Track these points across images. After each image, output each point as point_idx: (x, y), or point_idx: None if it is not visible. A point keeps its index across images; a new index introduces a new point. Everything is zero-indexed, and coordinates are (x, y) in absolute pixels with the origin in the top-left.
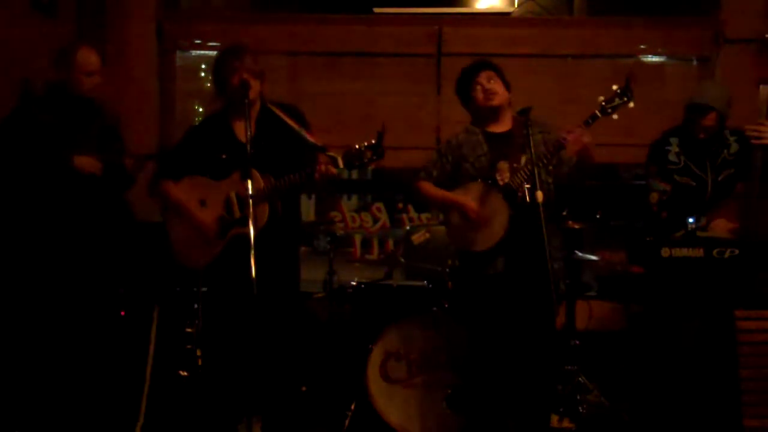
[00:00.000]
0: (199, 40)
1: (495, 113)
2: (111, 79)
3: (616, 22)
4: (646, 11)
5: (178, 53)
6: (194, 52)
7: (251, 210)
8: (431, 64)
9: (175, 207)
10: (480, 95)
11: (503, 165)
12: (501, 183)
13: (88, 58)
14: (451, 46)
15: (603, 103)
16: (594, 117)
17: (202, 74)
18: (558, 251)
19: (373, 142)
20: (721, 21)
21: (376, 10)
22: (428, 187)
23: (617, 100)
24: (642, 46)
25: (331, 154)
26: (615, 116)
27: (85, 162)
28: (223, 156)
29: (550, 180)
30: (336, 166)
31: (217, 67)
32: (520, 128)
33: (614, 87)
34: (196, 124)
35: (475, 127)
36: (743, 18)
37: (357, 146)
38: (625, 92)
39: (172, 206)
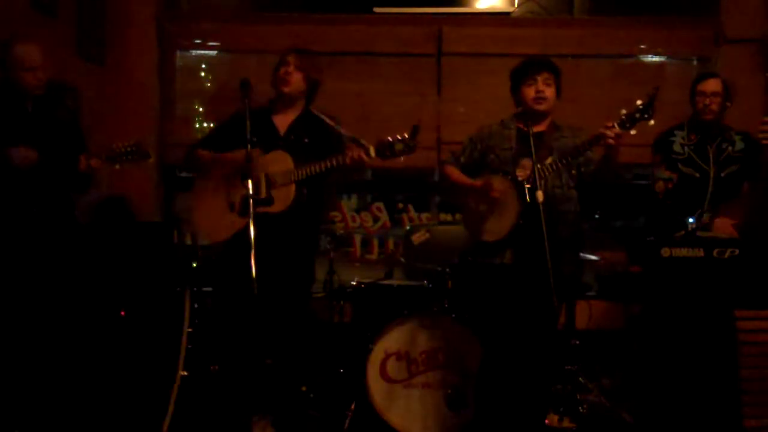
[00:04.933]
0: (199, 40)
1: (537, 114)
2: (111, 79)
3: (616, 22)
4: (646, 11)
5: (178, 53)
6: (194, 52)
7: (252, 210)
8: (431, 64)
9: (209, 164)
10: (532, 94)
11: (526, 162)
12: (519, 178)
13: (26, 53)
14: (451, 46)
15: (623, 117)
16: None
17: (202, 74)
18: (575, 256)
19: (406, 135)
20: (721, 21)
21: (376, 10)
22: (452, 171)
23: (638, 116)
24: (642, 46)
25: (364, 143)
26: (633, 131)
27: (17, 152)
28: (254, 139)
29: (571, 184)
30: (368, 155)
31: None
32: (552, 131)
33: (638, 102)
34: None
35: (511, 122)
36: (743, 18)
37: (390, 138)
38: (647, 109)
39: (205, 167)
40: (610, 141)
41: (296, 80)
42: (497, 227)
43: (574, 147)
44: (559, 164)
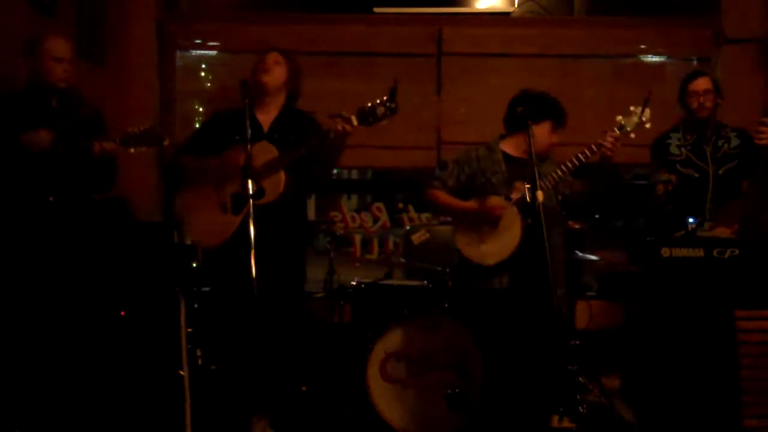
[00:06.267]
0: (199, 40)
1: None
2: (111, 79)
3: (616, 22)
4: (646, 11)
5: (178, 53)
6: (194, 52)
7: (251, 209)
8: (431, 64)
9: (198, 170)
10: (552, 141)
11: (519, 184)
12: (514, 199)
13: (57, 44)
14: (451, 46)
15: (621, 123)
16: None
17: (202, 74)
18: (562, 273)
19: (386, 98)
20: (721, 21)
21: (376, 10)
22: (443, 196)
23: (636, 120)
24: (642, 46)
25: (344, 114)
26: (632, 135)
27: (33, 135)
28: (237, 137)
29: (567, 192)
30: (350, 124)
31: None
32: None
33: (632, 108)
34: (218, 110)
35: (496, 145)
36: (743, 18)
37: (370, 103)
38: (643, 112)
39: (195, 172)
40: (608, 150)
41: (277, 73)
42: (499, 249)
43: (572, 157)
44: (554, 177)
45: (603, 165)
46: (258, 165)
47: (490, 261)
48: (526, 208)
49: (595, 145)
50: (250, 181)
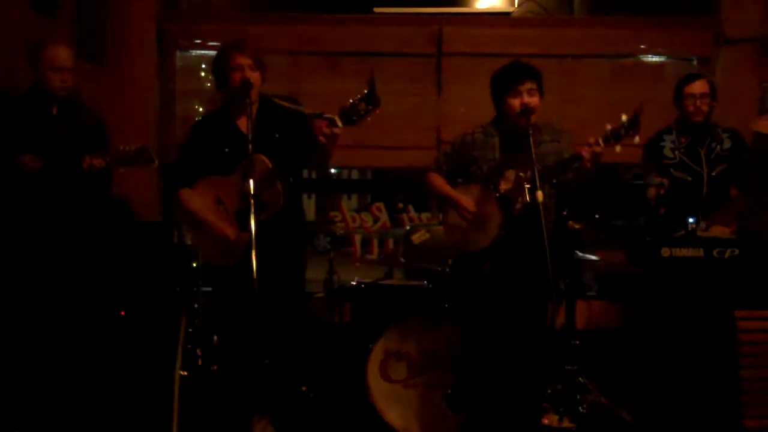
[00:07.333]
0: (199, 40)
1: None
2: (111, 79)
3: (616, 22)
4: (646, 11)
5: (178, 53)
6: (194, 52)
7: (252, 209)
8: (431, 64)
9: (195, 218)
10: (517, 106)
11: (510, 174)
12: (501, 190)
13: (57, 53)
14: (451, 46)
15: (608, 133)
16: (598, 143)
17: (202, 74)
18: (560, 259)
19: (366, 92)
20: (721, 21)
21: (376, 10)
22: (436, 180)
23: (623, 132)
24: (642, 46)
25: (329, 115)
26: (618, 149)
27: (22, 160)
28: (226, 150)
29: (553, 192)
30: (335, 125)
31: (218, 62)
32: (535, 135)
33: (623, 118)
34: (197, 122)
35: (493, 128)
36: (743, 18)
37: (351, 101)
38: (633, 126)
39: (191, 216)
40: (587, 164)
41: (257, 80)
42: (478, 239)
43: (555, 165)
44: (536, 166)
45: (582, 170)
46: (255, 181)
47: (469, 249)
48: (507, 203)
49: (574, 156)
50: (251, 182)
